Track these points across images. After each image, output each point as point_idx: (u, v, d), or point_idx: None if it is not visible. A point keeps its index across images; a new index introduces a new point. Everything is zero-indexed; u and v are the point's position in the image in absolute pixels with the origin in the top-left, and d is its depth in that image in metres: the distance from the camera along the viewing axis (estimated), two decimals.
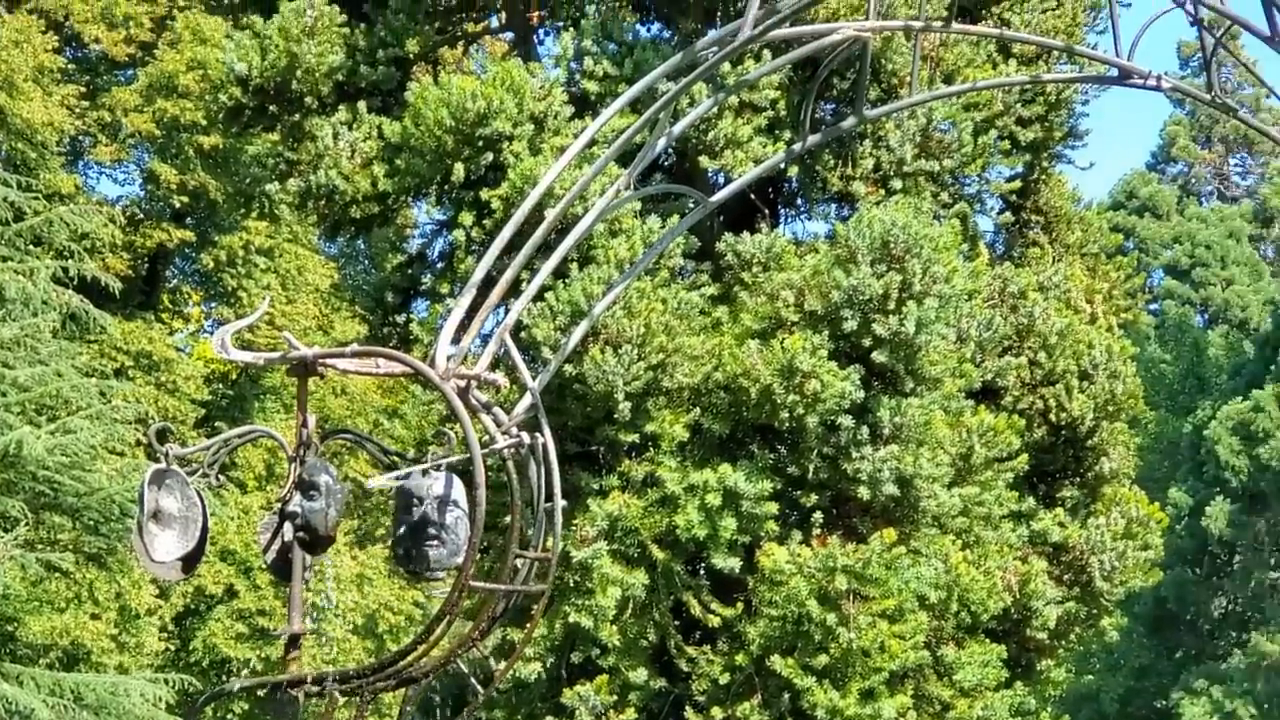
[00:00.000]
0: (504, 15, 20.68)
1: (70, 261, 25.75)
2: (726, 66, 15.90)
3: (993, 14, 20.16)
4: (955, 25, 12.27)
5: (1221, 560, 48.34)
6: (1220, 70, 53.11)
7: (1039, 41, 16.92)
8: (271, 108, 19.10)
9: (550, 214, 10.64)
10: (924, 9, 13.36)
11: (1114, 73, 11.51)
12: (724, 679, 17.56)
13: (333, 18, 18.65)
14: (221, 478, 11.32)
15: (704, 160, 18.05)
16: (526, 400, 10.54)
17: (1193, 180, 66.61)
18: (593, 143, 12.56)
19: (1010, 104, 20.00)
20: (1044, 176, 21.63)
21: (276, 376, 37.70)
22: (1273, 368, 46.27)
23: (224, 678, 36.07)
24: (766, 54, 16.46)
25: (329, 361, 10.05)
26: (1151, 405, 39.13)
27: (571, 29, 18.70)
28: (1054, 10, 20.26)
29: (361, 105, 18.70)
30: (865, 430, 17.24)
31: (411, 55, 19.21)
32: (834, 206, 19.88)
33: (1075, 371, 19.92)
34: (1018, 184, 21.02)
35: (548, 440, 10.22)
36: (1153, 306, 56.93)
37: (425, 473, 9.71)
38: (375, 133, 18.43)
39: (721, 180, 18.32)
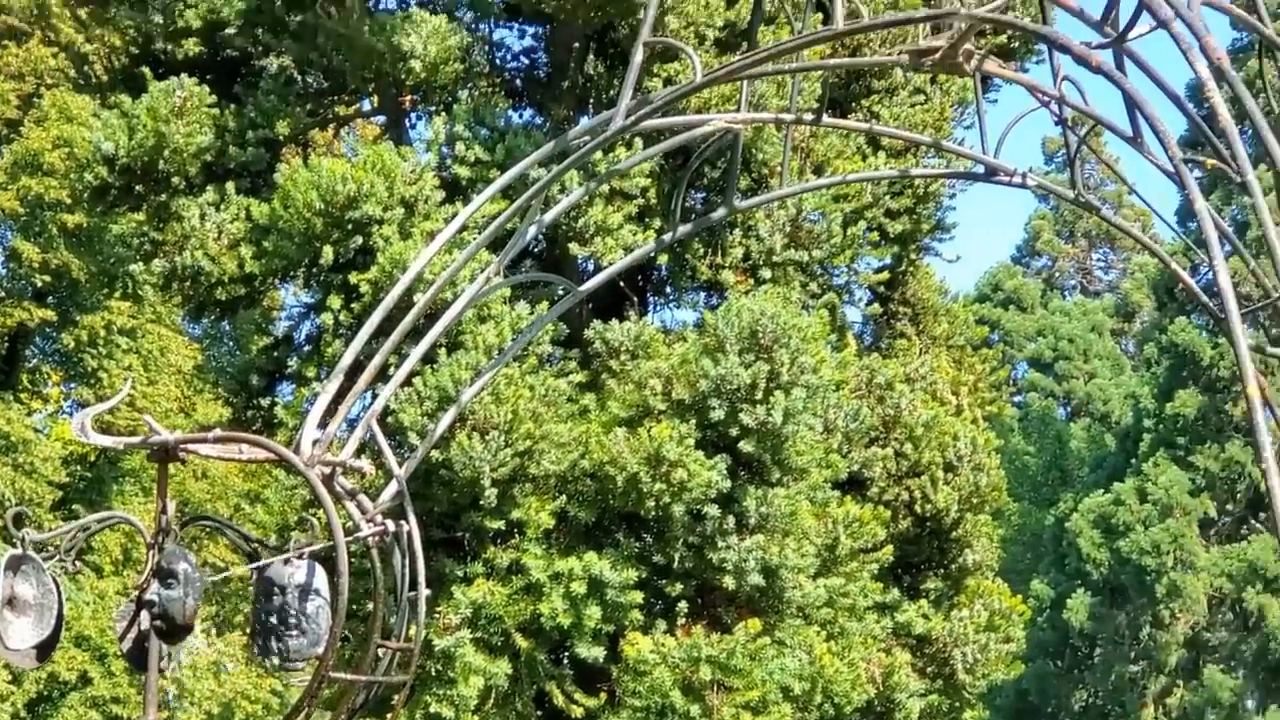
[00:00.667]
0: (376, 99, 20.63)
1: None
2: (598, 154, 15.93)
3: (863, 106, 20.35)
4: (826, 119, 12.35)
5: (1082, 653, 48.77)
6: (1084, 166, 53.99)
7: (907, 137, 17.11)
8: (138, 187, 18.89)
9: (420, 300, 10.57)
10: (795, 101, 13.45)
11: (980, 169, 11.62)
12: None
13: (202, 98, 18.51)
14: (78, 563, 11.10)
15: (574, 247, 18.06)
16: (392, 488, 10.43)
17: (1056, 274, 67.61)
18: (463, 228, 12.51)
19: (879, 196, 20.18)
20: (912, 268, 21.83)
21: (136, 459, 37.17)
22: (1133, 461, 46.87)
23: None
24: (638, 141, 16.53)
25: (191, 447, 9.90)
26: (1015, 497, 39.52)
27: (444, 113, 18.69)
28: (922, 105, 20.50)
29: (230, 186, 18.56)
30: (731, 520, 17.22)
31: (282, 137, 19.11)
32: (703, 295, 19.94)
33: (940, 463, 20.03)
34: (886, 275, 21.18)
35: (413, 528, 10.11)
36: (1017, 399, 57.60)
37: (287, 561, 9.56)
38: (243, 214, 18.28)
39: (591, 267, 18.33)
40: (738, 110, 12.34)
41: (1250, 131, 7.64)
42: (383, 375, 11.10)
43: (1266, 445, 6.54)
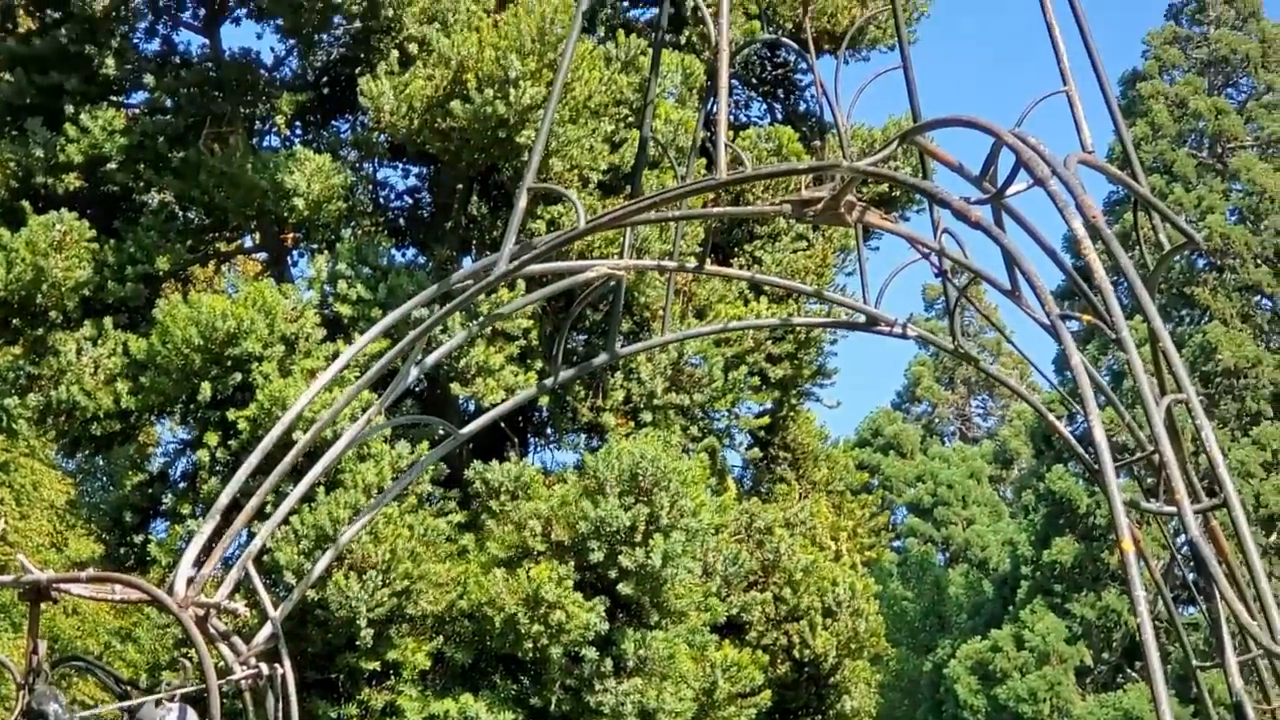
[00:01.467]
0: (258, 235, 20.59)
1: None
2: (481, 296, 15.93)
3: (746, 251, 20.55)
4: (708, 266, 12.44)
5: None
6: (963, 314, 54.65)
7: (789, 286, 17.26)
8: (15, 321, 18.69)
9: (301, 439, 10.49)
10: (678, 246, 13.55)
11: (861, 318, 11.73)
12: None
13: (82, 232, 18.39)
14: None
15: (455, 387, 18.02)
16: (267, 630, 10.28)
17: (936, 420, 68.20)
18: (344, 366, 12.43)
19: (761, 341, 20.32)
20: (792, 413, 21.95)
21: (6, 595, 36.44)
22: (1011, 608, 47.08)
23: None
24: (521, 283, 16.57)
25: (64, 586, 9.73)
26: (893, 643, 39.60)
27: (326, 251, 18.68)
28: (805, 251, 20.72)
29: (108, 321, 18.41)
30: (609, 662, 17.12)
31: (161, 272, 19.00)
32: (584, 437, 19.94)
33: (819, 608, 20.04)
34: (767, 420, 21.27)
35: (287, 671, 9.97)
36: (896, 544, 57.81)
37: (159, 702, 9.39)
38: (121, 349, 18.12)
39: (473, 407, 18.29)
40: (621, 253, 12.40)
41: (1126, 283, 7.77)
42: (260, 514, 10.98)
43: (1141, 599, 6.59)
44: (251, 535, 11.32)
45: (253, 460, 10.03)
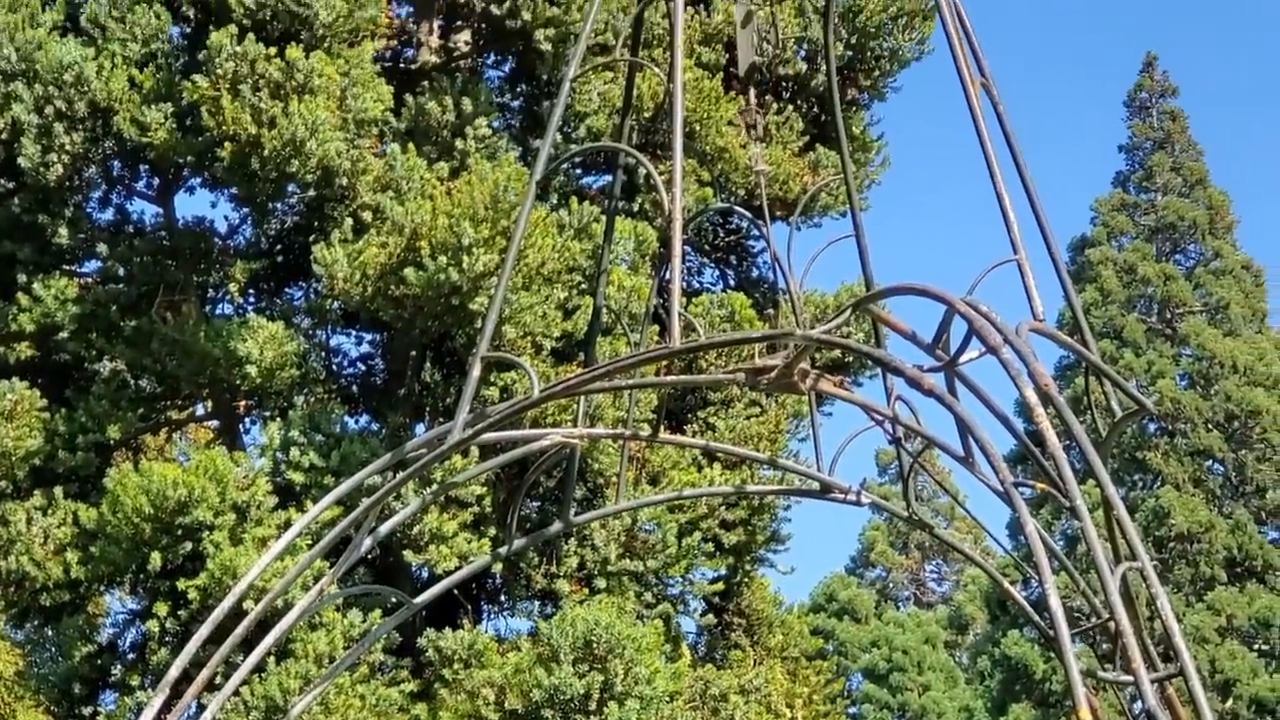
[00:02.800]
0: (210, 403, 20.53)
1: None
2: (435, 464, 15.88)
3: (699, 418, 20.58)
4: (661, 435, 12.46)
5: None
6: (917, 479, 54.74)
7: (743, 454, 17.28)
8: None
9: (253, 610, 10.39)
10: (631, 414, 13.57)
11: (815, 485, 11.75)
12: None
13: (33, 402, 18.33)
14: None
15: (408, 554, 17.92)
16: None
17: (890, 585, 68.10)
18: (296, 536, 12.34)
19: (714, 507, 20.28)
20: (747, 579, 21.86)
21: None
22: None
23: None
24: (475, 451, 16.54)
25: None
26: None
27: (279, 419, 18.62)
28: (758, 418, 20.75)
29: (58, 490, 18.29)
30: None
31: (113, 441, 18.91)
32: (537, 604, 19.82)
33: None
34: (721, 586, 21.18)
35: None
36: (852, 710, 57.46)
37: None
38: (71, 519, 17.99)
39: (425, 575, 18.18)
40: (575, 420, 12.42)
41: (1079, 448, 7.79)
42: (211, 686, 10.85)
43: None
44: (202, 707, 11.16)
45: (203, 632, 9.93)
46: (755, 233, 23.37)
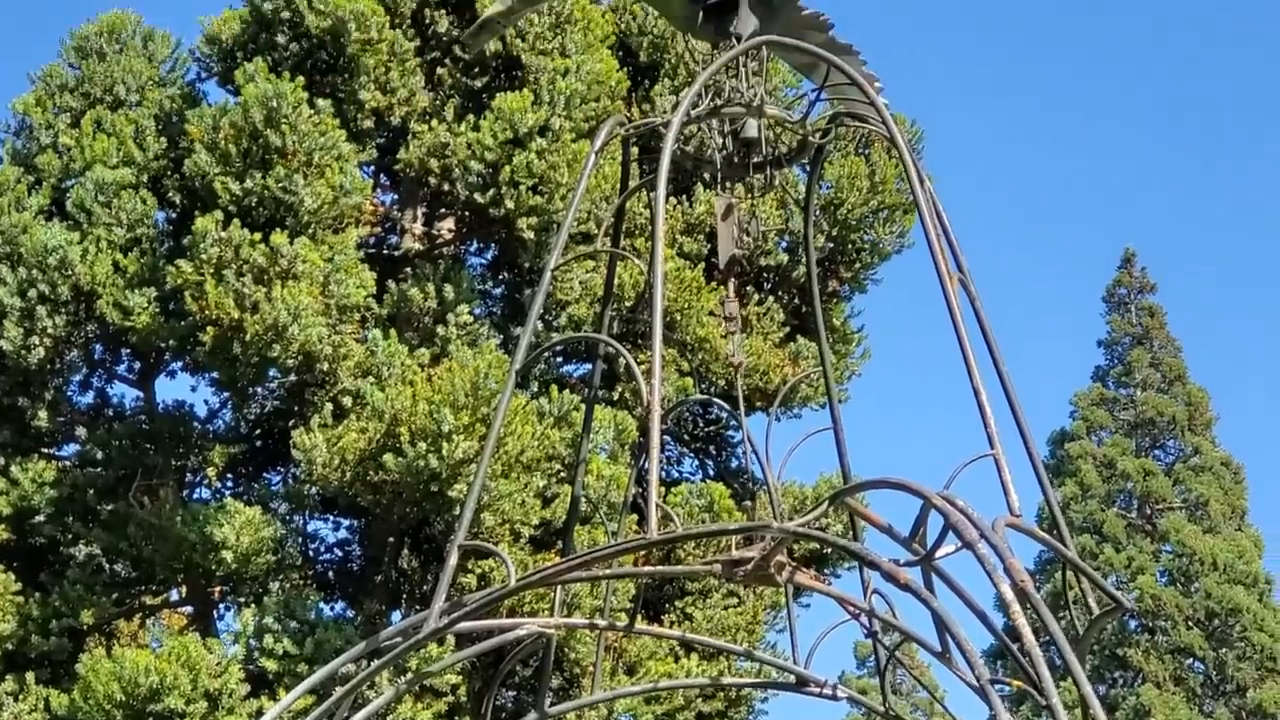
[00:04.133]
0: (185, 588, 20.39)
1: None
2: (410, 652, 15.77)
3: (676, 607, 20.47)
4: (639, 625, 12.39)
5: None
6: (895, 673, 54.38)
7: (719, 646, 17.17)
8: None
9: None
10: (608, 604, 13.48)
11: (791, 678, 11.67)
12: None
13: (7, 585, 18.24)
14: None
15: None
16: None
17: None
18: None
19: (691, 699, 20.12)
20: None
21: None
22: None
23: None
24: (451, 639, 16.41)
25: None
26: None
27: (253, 605, 18.49)
28: (735, 608, 20.65)
29: (30, 676, 18.13)
30: None
31: (86, 626, 18.78)
32: None
33: None
34: None
35: None
36: None
37: None
38: (43, 705, 17.81)
39: None
40: (551, 608, 12.34)
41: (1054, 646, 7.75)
42: None
43: None
44: None
45: None
46: (734, 423, 23.41)
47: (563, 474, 19.11)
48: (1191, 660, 46.63)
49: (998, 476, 9.43)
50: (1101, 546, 47.14)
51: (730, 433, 24.07)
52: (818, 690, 11.36)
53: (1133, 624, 46.51)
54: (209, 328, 17.95)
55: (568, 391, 19.49)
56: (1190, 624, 46.35)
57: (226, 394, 20.29)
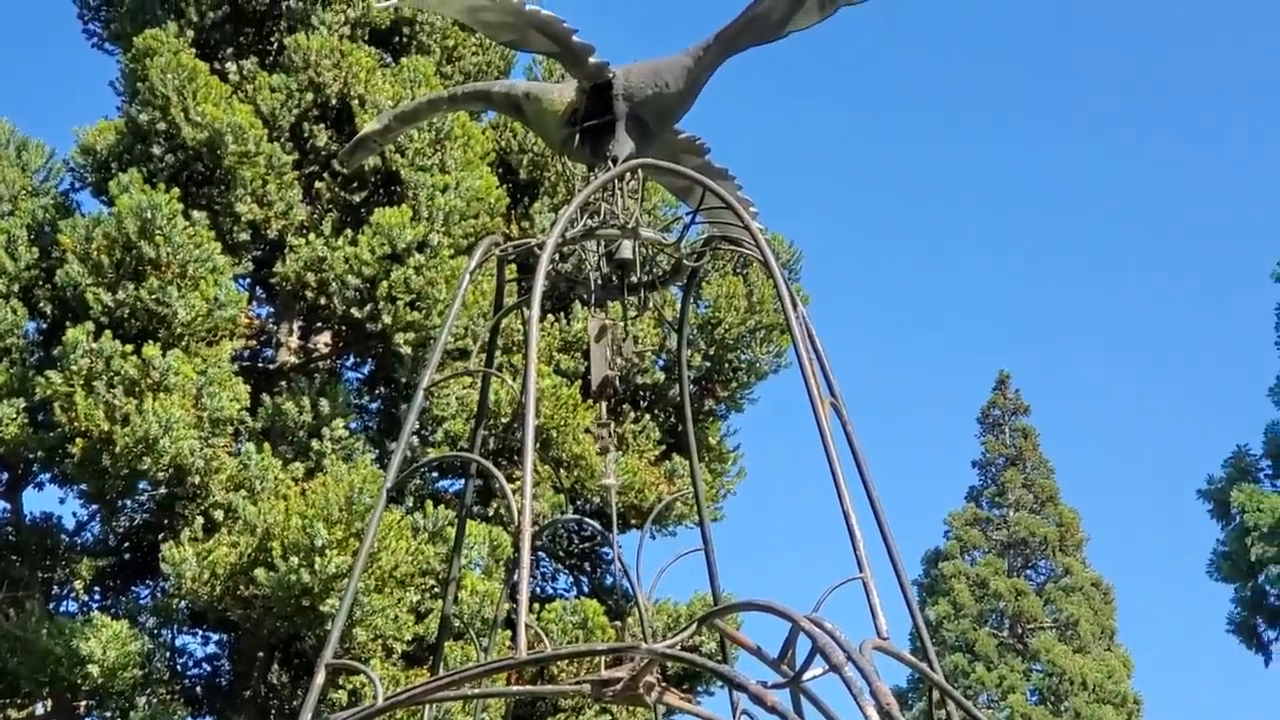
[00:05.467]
0: (50, 702, 20.05)
1: None
2: None
3: None
4: None
5: None
6: None
7: None
8: None
9: None
10: (479, 718, 13.40)
11: None
12: None
13: None
14: None
15: None
16: None
17: None
18: None
19: None
20: None
21: None
22: None
23: None
24: None
25: None
26: None
27: (120, 719, 18.23)
28: None
29: None
30: None
31: None
32: None
33: None
34: None
35: None
36: None
37: None
38: None
39: None
40: None
41: None
42: None
43: None
44: None
45: None
46: (609, 541, 23.41)
47: (436, 589, 19.03)
48: None
49: (866, 600, 9.51)
50: (974, 665, 47.43)
51: (605, 550, 24.07)
52: None
53: None
54: (78, 439, 17.78)
55: (443, 507, 19.44)
56: None
57: (95, 506, 20.08)
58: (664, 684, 9.16)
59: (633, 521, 21.59)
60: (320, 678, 9.45)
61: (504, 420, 20.44)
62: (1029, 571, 52.17)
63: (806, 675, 8.15)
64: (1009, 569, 51.61)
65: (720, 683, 21.26)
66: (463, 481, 21.72)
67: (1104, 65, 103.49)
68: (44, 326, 19.87)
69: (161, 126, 19.81)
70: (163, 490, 18.90)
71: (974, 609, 49.80)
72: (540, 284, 9.06)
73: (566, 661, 18.86)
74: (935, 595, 49.01)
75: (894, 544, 9.88)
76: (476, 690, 10.50)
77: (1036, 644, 48.59)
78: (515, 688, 12.17)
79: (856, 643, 8.12)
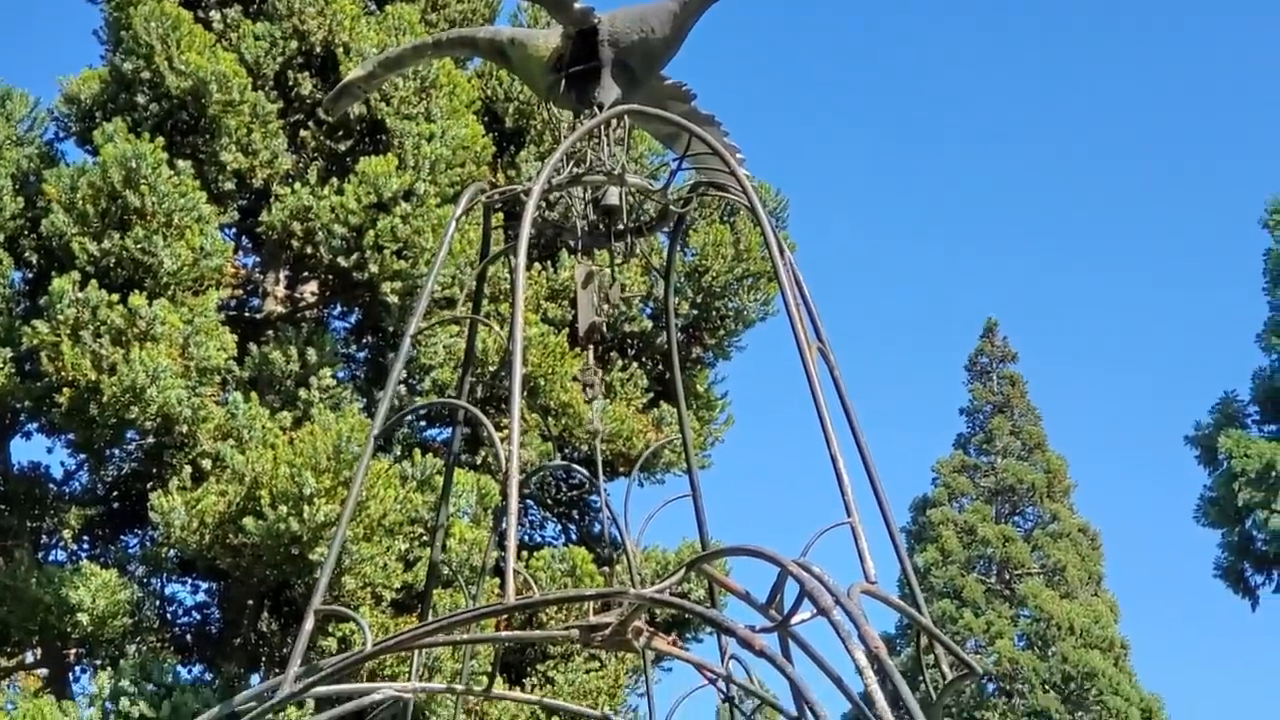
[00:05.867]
0: (40, 651, 20.10)
1: None
2: (269, 715, 15.61)
3: (538, 671, 20.42)
4: (496, 689, 12.37)
5: None
6: None
7: (577, 711, 17.14)
8: None
9: None
10: (467, 669, 13.47)
11: None
12: None
13: None
14: None
15: None
16: None
17: None
18: None
19: None
20: None
21: None
22: None
23: None
24: (310, 703, 16.28)
25: None
26: None
27: (109, 668, 18.26)
28: (597, 671, 20.64)
29: None
30: None
31: None
32: None
33: None
34: None
35: None
36: None
37: None
38: None
39: None
40: (411, 673, 12.28)
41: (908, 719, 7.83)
42: None
43: None
44: None
45: None
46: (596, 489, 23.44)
47: (425, 537, 19.06)
48: None
49: (854, 545, 9.53)
50: (961, 611, 47.58)
51: (593, 498, 24.09)
52: None
53: (990, 687, 46.92)
54: (65, 389, 17.77)
55: (431, 455, 19.45)
56: (1047, 687, 46.82)
57: (83, 456, 20.07)
58: (652, 630, 9.19)
59: (620, 469, 21.63)
60: (309, 624, 9.48)
61: (491, 368, 20.45)
62: (1016, 518, 52.29)
63: (795, 619, 8.18)
64: (996, 516, 51.72)
65: (709, 630, 21.35)
66: (450, 430, 21.77)
67: None
68: (30, 276, 19.83)
69: (146, 75, 19.73)
70: (150, 439, 18.89)
71: (962, 555, 49.92)
72: (527, 231, 9.05)
73: (555, 609, 18.93)
74: (923, 542, 49.14)
75: (882, 490, 9.92)
76: (464, 636, 10.55)
77: (1024, 590, 48.73)
78: (504, 633, 12.19)
79: (844, 587, 8.15)
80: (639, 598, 8.55)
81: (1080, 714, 46.74)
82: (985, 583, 49.57)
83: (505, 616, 12.78)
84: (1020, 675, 46.51)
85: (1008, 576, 50.22)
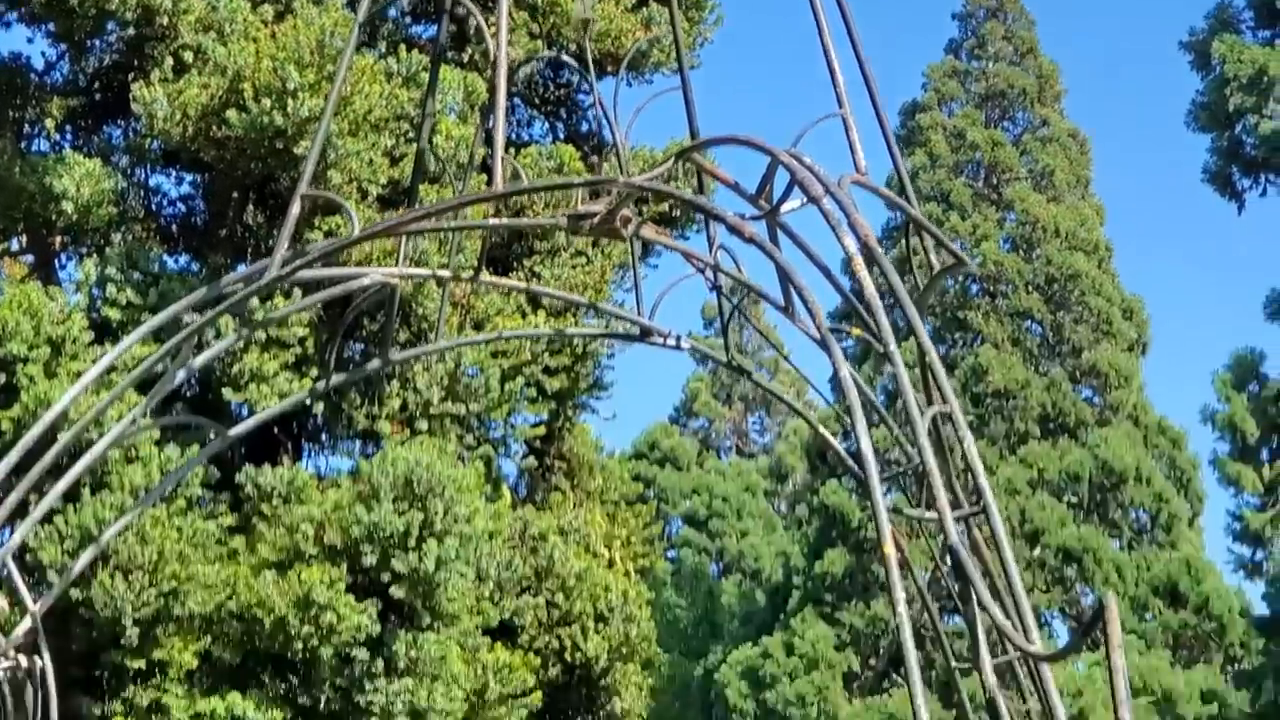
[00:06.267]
0: (25, 238, 20.15)
1: None
2: (255, 302, 15.80)
3: (524, 266, 20.58)
4: (484, 277, 12.46)
5: None
6: (742, 332, 55.20)
7: (564, 297, 17.35)
8: None
9: (63, 437, 10.34)
10: (454, 258, 13.55)
11: (636, 331, 11.84)
12: None
13: None
14: None
15: (227, 392, 17.84)
16: (26, 623, 10.13)
17: (713, 435, 68.64)
18: (112, 369, 12.23)
19: (537, 353, 20.38)
20: (568, 424, 22.06)
21: None
22: (782, 616, 47.57)
23: None
24: (298, 292, 16.44)
25: None
26: (665, 649, 39.79)
27: (95, 256, 18.36)
28: (584, 266, 20.80)
29: None
30: (380, 663, 17.18)
31: None
32: (359, 443, 19.88)
33: (591, 613, 20.27)
34: (542, 430, 21.37)
35: (46, 663, 9.85)
36: (670, 554, 58.21)
37: None
38: None
39: (246, 413, 18.12)
40: (397, 264, 12.36)
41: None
42: (21, 512, 10.81)
43: (900, 600, 6.74)
44: (12, 532, 11.13)
45: (12, 458, 9.88)
46: (585, 87, 23.27)
47: (411, 134, 18.97)
48: (1030, 323, 47.56)
49: (845, 136, 9.51)
50: (948, 214, 47.63)
51: (581, 95, 23.95)
52: (661, 340, 11.56)
53: (974, 288, 47.28)
54: None
55: (416, 52, 19.25)
56: (1030, 288, 47.20)
57: (64, 46, 19.81)
58: (640, 218, 9.23)
59: (609, 69, 21.40)
60: (295, 207, 9.51)
61: None
62: (1006, 123, 51.94)
63: (784, 208, 8.21)
64: (986, 120, 51.37)
65: (698, 228, 21.47)
66: (437, 24, 21.50)
67: None
68: None
69: None
70: (131, 31, 18.64)
71: (950, 160, 49.75)
72: None
73: (543, 204, 18.98)
74: (912, 146, 48.88)
75: (873, 79, 9.85)
76: (451, 223, 10.60)
77: (1010, 193, 48.69)
78: (490, 220, 12.21)
79: (835, 177, 8.16)
80: (628, 185, 8.57)
81: (1061, 314, 47.19)
82: (972, 186, 49.49)
83: (494, 208, 12.84)
84: (1004, 276, 46.77)
85: (995, 181, 50.10)
